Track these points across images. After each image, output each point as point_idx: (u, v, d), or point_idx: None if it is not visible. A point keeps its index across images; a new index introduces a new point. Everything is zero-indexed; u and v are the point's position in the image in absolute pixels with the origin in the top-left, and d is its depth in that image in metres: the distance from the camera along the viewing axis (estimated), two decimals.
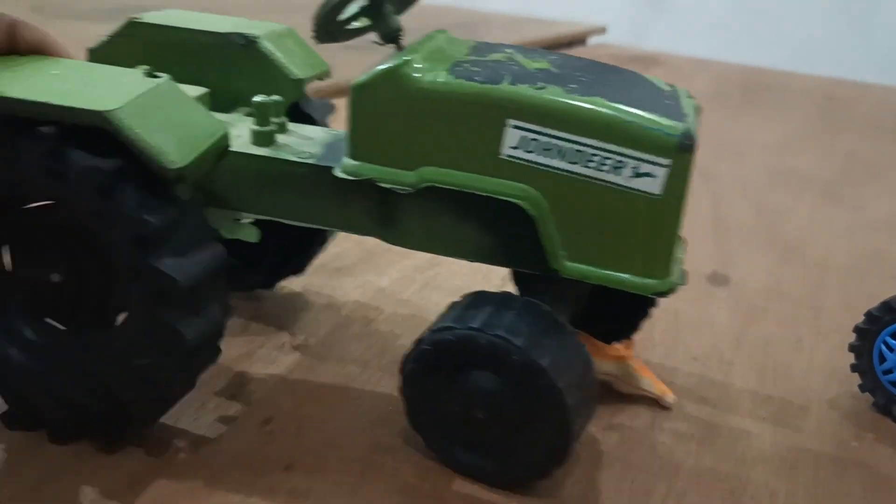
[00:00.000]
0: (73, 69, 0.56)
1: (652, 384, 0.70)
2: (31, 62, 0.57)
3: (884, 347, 0.71)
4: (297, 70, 0.69)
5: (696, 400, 0.72)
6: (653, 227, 0.55)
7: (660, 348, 0.80)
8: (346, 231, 0.63)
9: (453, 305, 0.59)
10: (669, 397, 0.70)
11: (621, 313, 0.72)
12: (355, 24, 0.61)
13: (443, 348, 0.56)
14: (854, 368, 0.74)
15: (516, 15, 2.97)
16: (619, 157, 0.53)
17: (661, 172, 0.53)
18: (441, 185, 0.56)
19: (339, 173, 0.58)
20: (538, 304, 0.57)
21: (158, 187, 0.53)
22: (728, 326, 0.86)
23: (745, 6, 2.83)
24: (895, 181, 1.55)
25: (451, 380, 0.57)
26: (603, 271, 0.56)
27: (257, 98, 0.63)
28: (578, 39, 2.47)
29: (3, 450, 0.60)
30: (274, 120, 0.64)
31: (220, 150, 0.58)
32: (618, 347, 0.71)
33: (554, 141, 0.54)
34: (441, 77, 0.55)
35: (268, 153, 0.61)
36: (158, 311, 0.53)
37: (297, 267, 0.81)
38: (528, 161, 0.54)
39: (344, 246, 0.93)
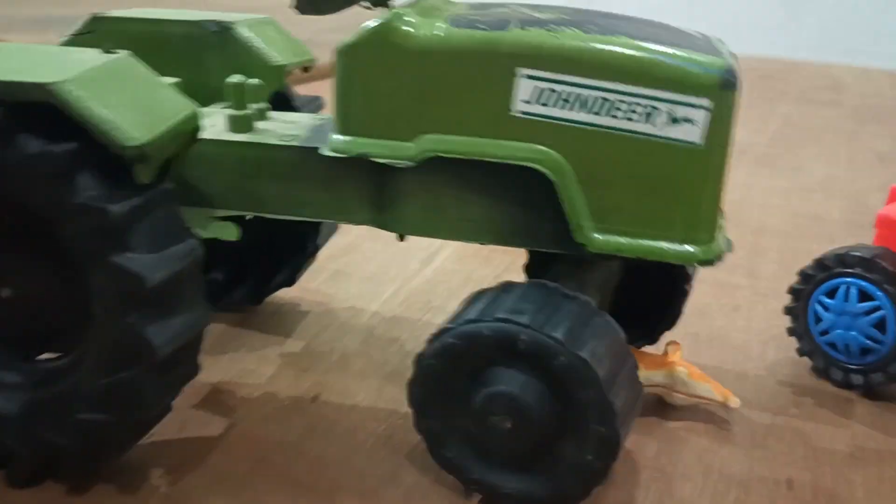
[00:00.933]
0: (20, 49, 0.50)
1: (711, 390, 0.60)
2: None
3: (819, 307, 0.67)
4: (278, 56, 0.62)
5: None
6: (694, 183, 0.47)
7: None
8: (336, 220, 0.57)
9: (481, 295, 0.50)
10: (733, 401, 0.60)
11: (656, 298, 0.62)
12: None
13: (474, 343, 0.47)
14: (791, 332, 0.70)
15: None
16: (651, 102, 0.46)
17: (701, 116, 0.46)
18: (445, 155, 0.49)
19: (326, 152, 0.50)
20: (584, 298, 0.49)
21: (120, 173, 0.46)
22: None
23: None
24: (830, 145, 1.55)
25: (476, 382, 0.48)
26: (638, 241, 0.48)
27: (232, 79, 0.56)
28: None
29: None
30: (253, 105, 0.57)
31: (189, 131, 0.50)
32: (662, 355, 0.61)
33: (573, 89, 0.46)
34: (439, 29, 0.48)
35: (245, 138, 0.54)
36: (123, 316, 0.45)
37: (288, 279, 0.72)
38: (544, 116, 0.47)
39: None
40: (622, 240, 0.49)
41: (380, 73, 0.48)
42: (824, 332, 0.67)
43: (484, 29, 0.48)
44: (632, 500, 0.53)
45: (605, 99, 0.46)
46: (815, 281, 0.67)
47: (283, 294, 0.76)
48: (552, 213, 0.49)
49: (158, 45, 0.62)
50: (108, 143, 0.44)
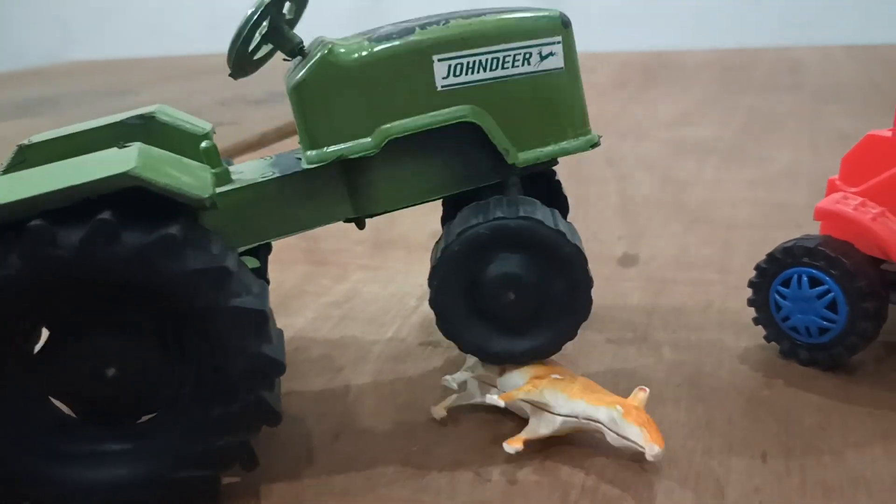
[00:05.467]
0: (43, 169, 0.56)
1: (640, 434, 0.59)
2: None
3: (777, 297, 0.74)
4: (199, 125, 0.71)
5: (611, 381, 0.74)
6: (568, 95, 0.66)
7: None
8: (326, 223, 0.68)
9: (461, 213, 0.65)
10: (652, 451, 0.58)
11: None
12: (261, 53, 0.67)
13: (475, 242, 0.63)
14: (756, 321, 0.77)
15: None
16: (525, 50, 0.64)
17: (558, 49, 0.65)
18: (399, 136, 0.63)
19: (306, 165, 0.63)
20: (524, 197, 0.66)
21: (204, 236, 0.55)
22: (639, 304, 0.89)
23: None
24: (794, 132, 1.62)
25: (481, 272, 0.64)
26: (549, 148, 0.66)
27: (204, 144, 0.66)
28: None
29: None
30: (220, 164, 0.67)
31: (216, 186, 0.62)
32: (612, 395, 0.63)
33: (473, 58, 0.63)
34: (365, 47, 0.62)
35: (234, 187, 0.65)
36: (253, 345, 0.55)
37: None
38: (460, 84, 0.63)
39: None
40: (537, 152, 0.66)
41: (330, 93, 0.62)
42: (785, 319, 0.74)
43: (398, 38, 0.63)
44: (624, 489, 0.60)
45: (495, 58, 0.64)
46: (770, 273, 0.74)
47: (296, 342, 0.83)
48: (484, 155, 0.66)
49: (90, 151, 0.65)
50: (188, 202, 0.54)
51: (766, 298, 0.75)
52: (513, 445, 0.63)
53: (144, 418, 0.61)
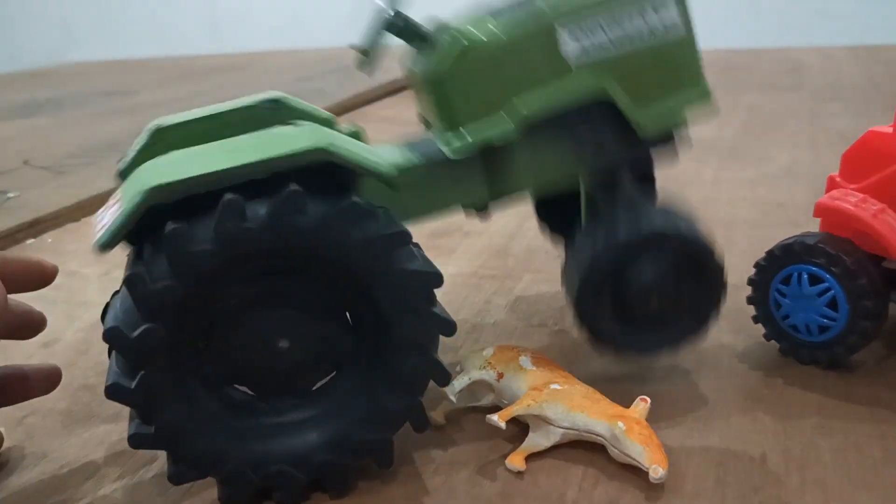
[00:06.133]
0: (223, 144, 0.56)
1: (643, 453, 0.58)
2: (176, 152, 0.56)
3: (777, 295, 0.73)
4: (323, 111, 0.71)
5: (608, 378, 0.73)
6: (685, 52, 0.67)
7: (571, 335, 0.82)
8: (463, 209, 0.69)
9: (582, 236, 0.68)
10: (656, 473, 0.57)
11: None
12: (384, 45, 0.67)
13: (610, 265, 0.66)
14: (756, 320, 0.76)
15: None
16: (640, 5, 0.64)
17: (671, 3, 0.65)
18: (539, 116, 0.64)
19: (451, 156, 0.64)
20: (638, 198, 0.69)
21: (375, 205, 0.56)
22: None
23: None
24: (794, 131, 1.61)
25: (622, 284, 0.66)
26: (673, 106, 0.67)
27: (351, 127, 0.67)
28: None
29: None
30: None
31: None
32: (616, 405, 0.62)
33: (593, 20, 0.64)
34: (493, 25, 0.63)
35: (395, 167, 0.64)
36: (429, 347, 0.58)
37: None
38: (584, 50, 0.64)
39: None
40: (665, 113, 0.67)
41: (470, 79, 0.63)
42: (785, 317, 0.73)
43: (521, 12, 0.64)
44: (621, 490, 0.59)
45: (612, 19, 0.64)
46: (769, 271, 0.74)
47: None
48: (614, 132, 0.67)
49: (222, 135, 0.64)
50: (379, 179, 0.57)
51: (765, 296, 0.74)
52: (515, 465, 0.62)
53: (320, 385, 0.61)
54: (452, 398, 0.66)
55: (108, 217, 0.55)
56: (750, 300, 0.76)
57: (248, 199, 0.52)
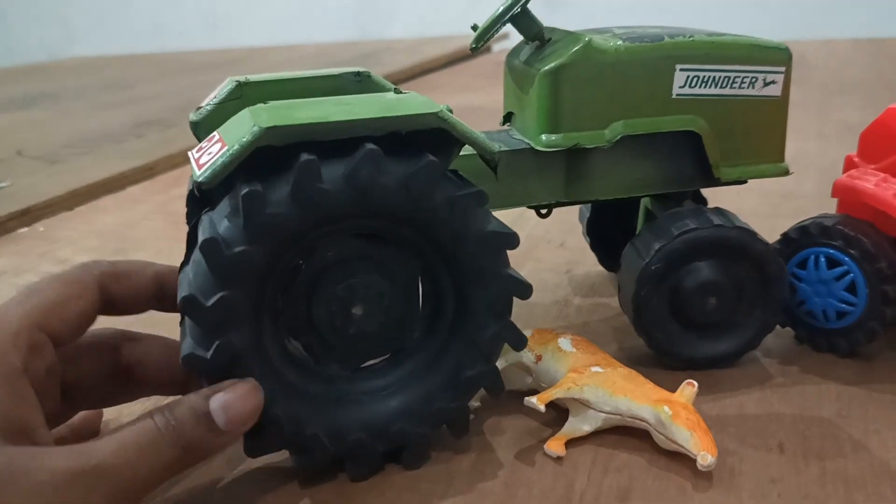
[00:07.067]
0: (347, 100, 0.55)
1: (690, 439, 0.56)
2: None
3: (793, 279, 0.71)
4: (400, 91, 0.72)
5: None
6: (776, 122, 0.71)
7: (582, 315, 0.79)
8: (536, 203, 0.70)
9: (652, 226, 0.69)
10: (705, 459, 0.55)
11: None
12: (499, 33, 0.69)
13: (693, 245, 0.66)
14: None
15: (416, 38, 3.00)
16: (754, 75, 0.68)
17: (780, 79, 0.69)
18: (632, 134, 0.66)
19: (542, 147, 0.66)
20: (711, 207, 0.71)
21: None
22: None
23: None
24: (799, 121, 1.58)
25: (681, 282, 0.67)
26: (750, 167, 0.71)
27: (445, 107, 0.66)
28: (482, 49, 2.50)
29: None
30: None
31: None
32: (662, 390, 0.60)
33: (710, 74, 0.67)
34: (620, 45, 0.65)
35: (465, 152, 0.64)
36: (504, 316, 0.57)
37: None
38: (693, 95, 0.67)
39: None
40: (741, 169, 0.70)
41: (583, 82, 0.65)
42: (801, 303, 0.70)
43: (649, 41, 0.66)
44: (632, 479, 0.56)
45: (727, 77, 0.68)
46: (785, 255, 0.71)
47: None
48: (692, 163, 0.70)
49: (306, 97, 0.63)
50: (482, 152, 0.57)
51: None
52: (554, 450, 0.59)
53: (397, 354, 0.60)
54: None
55: (208, 156, 0.52)
56: None
57: (324, 161, 0.50)
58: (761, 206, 1.11)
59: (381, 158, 0.51)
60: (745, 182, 0.72)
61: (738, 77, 0.68)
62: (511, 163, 0.66)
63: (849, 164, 0.73)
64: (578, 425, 0.60)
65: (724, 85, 0.68)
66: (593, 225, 0.87)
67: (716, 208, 0.69)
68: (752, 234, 0.67)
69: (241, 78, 0.64)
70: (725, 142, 0.69)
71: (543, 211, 0.72)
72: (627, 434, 0.60)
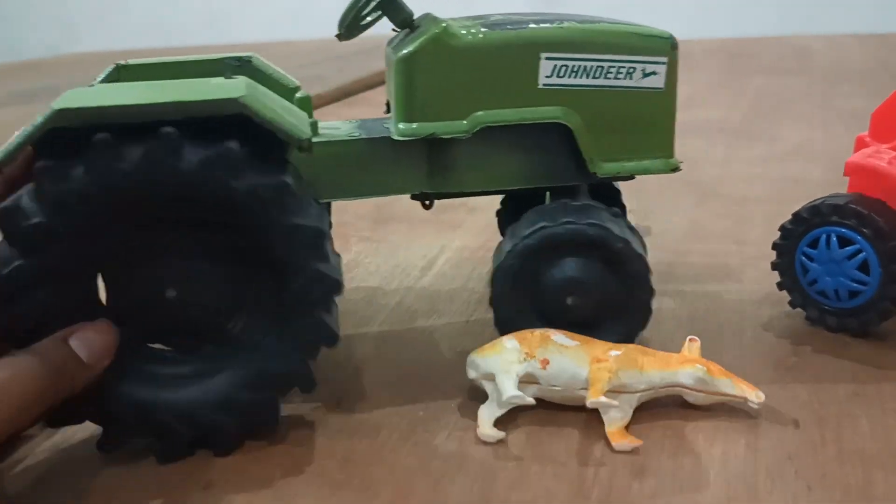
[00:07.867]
0: (156, 84, 0.56)
1: (732, 385, 0.59)
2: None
3: (804, 259, 0.70)
4: (292, 78, 0.71)
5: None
6: (661, 116, 0.65)
7: None
8: (399, 193, 0.67)
9: (527, 216, 0.65)
10: (756, 396, 0.58)
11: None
12: (369, 19, 0.67)
13: (541, 245, 0.62)
14: (781, 286, 0.73)
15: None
16: (631, 65, 0.63)
17: (662, 70, 0.64)
18: (493, 125, 0.62)
19: (398, 137, 0.62)
20: (592, 202, 0.66)
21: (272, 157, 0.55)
22: (654, 270, 0.84)
23: None
24: (803, 112, 1.58)
25: (544, 275, 0.63)
26: (631, 163, 0.66)
27: (300, 94, 0.65)
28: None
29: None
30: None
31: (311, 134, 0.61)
32: (679, 353, 0.61)
33: (579, 63, 0.63)
34: (480, 32, 0.62)
35: (325, 139, 0.64)
36: (315, 308, 0.56)
37: None
38: (561, 85, 0.63)
39: None
40: (620, 165, 0.66)
41: (437, 70, 0.62)
42: (813, 282, 0.70)
43: (511, 28, 0.62)
44: (647, 457, 0.56)
45: (600, 67, 0.63)
46: (796, 234, 0.70)
47: None
48: (566, 157, 0.66)
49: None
50: (288, 140, 0.54)
51: (791, 261, 0.71)
52: (626, 442, 0.57)
53: (210, 338, 0.60)
54: (520, 400, 0.58)
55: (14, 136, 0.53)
56: (775, 266, 0.73)
57: (125, 144, 0.51)
58: (768, 192, 1.10)
59: (178, 142, 0.51)
60: (631, 178, 0.68)
61: (613, 67, 0.63)
62: (369, 151, 0.65)
63: (860, 145, 0.73)
64: (620, 414, 0.58)
65: (596, 75, 0.63)
66: (503, 219, 0.84)
67: (588, 205, 0.65)
68: (608, 232, 0.62)
69: (123, 61, 0.65)
70: (602, 135, 0.64)
71: (427, 202, 0.70)
72: (638, 411, 0.60)
